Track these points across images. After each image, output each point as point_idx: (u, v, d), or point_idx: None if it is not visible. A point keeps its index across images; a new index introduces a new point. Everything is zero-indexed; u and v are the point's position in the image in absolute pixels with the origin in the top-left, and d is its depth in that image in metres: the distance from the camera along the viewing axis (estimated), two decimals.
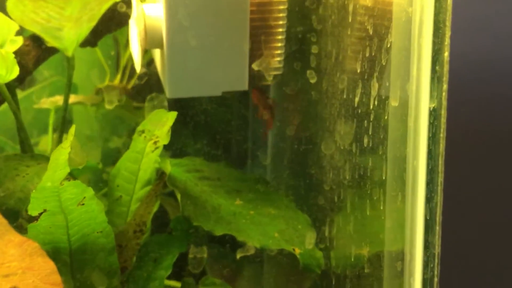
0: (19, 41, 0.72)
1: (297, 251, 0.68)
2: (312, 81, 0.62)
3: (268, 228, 0.69)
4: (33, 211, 0.55)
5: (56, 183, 0.52)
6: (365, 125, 0.52)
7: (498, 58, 0.71)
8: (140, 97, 0.89)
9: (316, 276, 0.68)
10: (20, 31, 0.73)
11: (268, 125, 0.87)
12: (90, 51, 0.87)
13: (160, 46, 0.69)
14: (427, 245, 0.44)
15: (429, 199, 0.44)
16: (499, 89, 0.74)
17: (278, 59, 0.72)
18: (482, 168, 0.77)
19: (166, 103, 0.76)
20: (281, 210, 0.72)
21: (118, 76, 0.92)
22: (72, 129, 0.56)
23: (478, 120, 0.72)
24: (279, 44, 0.71)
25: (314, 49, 0.70)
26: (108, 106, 0.69)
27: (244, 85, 0.71)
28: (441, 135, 0.43)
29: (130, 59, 0.90)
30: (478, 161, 0.75)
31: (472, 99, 0.72)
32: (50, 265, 0.48)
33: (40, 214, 0.55)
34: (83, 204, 0.57)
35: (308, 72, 0.64)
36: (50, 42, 0.74)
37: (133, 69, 0.91)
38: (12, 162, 0.66)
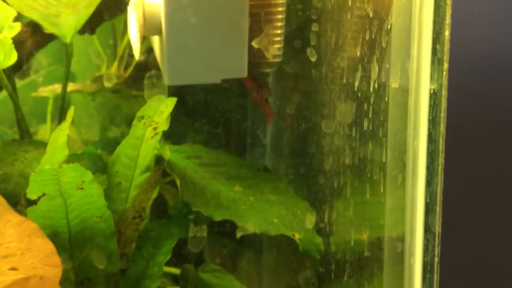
0: (17, 27, 0.72)
1: (297, 237, 0.68)
2: (313, 59, 0.62)
3: (268, 214, 0.69)
4: (32, 194, 0.54)
5: (55, 166, 0.51)
6: (365, 107, 0.52)
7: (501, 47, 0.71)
8: (139, 85, 0.89)
9: (316, 260, 0.68)
10: (18, 18, 0.73)
11: (267, 117, 0.86)
12: (87, 40, 0.87)
13: (159, 33, 0.69)
14: (428, 226, 0.44)
15: (429, 180, 0.44)
16: (504, 74, 0.74)
17: (278, 46, 0.71)
18: (484, 151, 0.76)
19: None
20: (281, 196, 0.72)
21: (115, 64, 0.92)
22: (71, 111, 0.55)
23: (482, 105, 0.72)
24: (279, 31, 0.71)
25: (314, 31, 0.70)
26: (107, 84, 0.69)
27: (243, 73, 0.71)
28: (442, 115, 0.43)
29: (128, 47, 0.90)
30: (480, 145, 0.75)
31: (474, 82, 0.72)
32: (49, 246, 0.48)
33: (39, 197, 0.55)
34: (82, 188, 0.57)
35: (308, 50, 0.64)
36: (48, 28, 0.74)
37: (130, 57, 0.91)
38: (10, 148, 0.65)
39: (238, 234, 0.66)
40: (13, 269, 0.46)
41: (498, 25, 0.74)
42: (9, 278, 0.46)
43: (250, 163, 0.76)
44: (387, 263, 0.49)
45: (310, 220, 0.70)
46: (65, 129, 0.52)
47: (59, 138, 0.52)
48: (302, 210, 0.71)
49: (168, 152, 0.69)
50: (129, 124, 0.89)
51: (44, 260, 0.47)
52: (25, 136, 0.72)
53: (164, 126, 0.68)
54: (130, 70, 0.91)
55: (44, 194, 0.55)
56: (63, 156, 0.51)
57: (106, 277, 0.64)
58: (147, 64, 0.86)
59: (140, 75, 0.88)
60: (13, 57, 0.68)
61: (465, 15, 0.67)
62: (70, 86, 0.88)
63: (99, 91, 0.89)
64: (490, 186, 0.82)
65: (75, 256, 0.61)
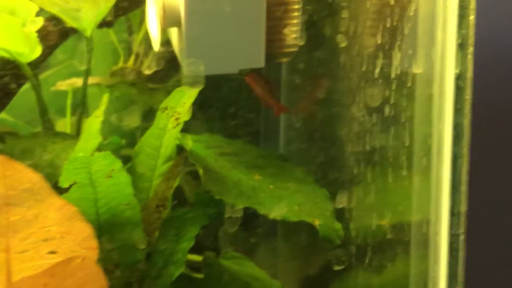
0: (39, 22, 0.73)
1: (317, 223, 0.69)
2: (343, 45, 0.63)
3: (288, 201, 0.71)
4: (64, 182, 0.56)
5: (88, 153, 0.53)
6: (388, 93, 0.54)
7: None
8: (156, 78, 0.90)
9: (336, 245, 0.69)
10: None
11: (280, 111, 0.87)
12: (103, 34, 0.88)
13: (178, 25, 0.70)
14: (453, 205, 0.45)
15: (455, 161, 0.45)
16: None
17: (294, 35, 0.73)
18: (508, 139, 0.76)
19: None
20: (300, 185, 0.74)
21: (132, 58, 0.93)
22: (105, 98, 0.57)
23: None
24: (295, 21, 0.72)
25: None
26: (147, 71, 0.70)
27: (260, 62, 0.73)
28: (467, 97, 0.44)
29: (143, 41, 0.92)
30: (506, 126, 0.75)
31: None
32: (88, 229, 0.50)
33: (71, 186, 0.56)
34: (111, 177, 0.58)
35: (338, 36, 0.65)
36: (69, 22, 0.75)
37: (146, 51, 0.92)
38: (38, 140, 0.67)
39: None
40: (52, 252, 0.48)
41: None
42: (48, 262, 0.47)
43: (268, 153, 0.77)
44: (412, 244, 0.51)
45: (328, 207, 0.71)
46: (99, 116, 0.53)
47: (93, 125, 0.53)
48: (321, 197, 0.72)
49: (190, 142, 0.70)
50: (144, 117, 0.91)
51: (82, 243, 0.49)
52: (48, 127, 0.73)
53: (185, 116, 0.69)
54: (146, 64, 0.92)
55: (75, 183, 0.56)
56: (96, 143, 0.53)
57: (133, 264, 0.65)
58: (164, 58, 0.88)
59: (158, 68, 0.89)
60: (37, 51, 0.69)
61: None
62: (88, 80, 0.90)
63: (116, 84, 0.90)
64: None
65: (103, 244, 0.62)
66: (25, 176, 0.48)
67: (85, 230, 0.49)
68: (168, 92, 0.79)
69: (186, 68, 0.71)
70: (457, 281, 0.47)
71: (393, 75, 0.53)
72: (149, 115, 0.86)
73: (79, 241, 0.48)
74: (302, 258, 0.81)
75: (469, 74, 0.44)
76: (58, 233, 0.48)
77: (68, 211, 0.49)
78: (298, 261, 0.81)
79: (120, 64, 0.94)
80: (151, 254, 0.68)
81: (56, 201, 0.49)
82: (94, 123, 0.53)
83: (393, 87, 0.53)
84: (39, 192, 0.48)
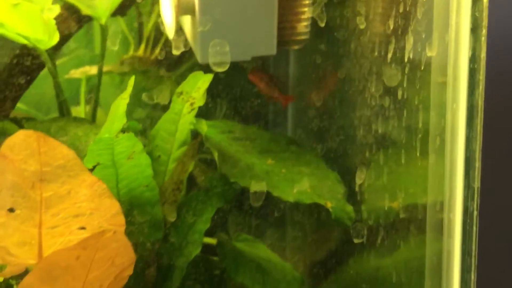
0: (56, 9, 0.75)
1: (329, 205, 0.71)
2: (362, 27, 0.65)
3: (301, 184, 0.73)
4: (88, 163, 0.57)
5: (113, 134, 0.55)
6: (402, 75, 0.56)
7: None
8: (167, 66, 0.91)
9: (348, 227, 0.71)
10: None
11: (287, 101, 0.89)
12: (113, 22, 0.90)
13: (192, 13, 0.72)
14: (467, 181, 0.47)
15: (469, 138, 0.47)
16: None
17: (305, 23, 0.74)
18: None
19: None
20: (312, 168, 0.76)
21: (142, 46, 0.95)
22: (132, 80, 0.58)
23: None
24: (306, 9, 0.74)
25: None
26: (175, 52, 0.72)
27: (273, 50, 0.74)
28: (481, 78, 0.46)
29: (153, 29, 0.93)
30: None
31: None
32: (116, 206, 0.51)
33: (94, 167, 0.58)
34: (132, 158, 0.60)
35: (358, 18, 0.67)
36: (84, 10, 0.77)
37: (156, 39, 0.94)
38: (58, 123, 0.68)
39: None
40: (82, 228, 0.50)
41: None
42: (77, 237, 0.49)
43: (280, 137, 0.79)
44: (428, 223, 0.52)
45: (340, 189, 0.73)
46: (126, 98, 0.55)
47: (119, 107, 0.55)
48: (333, 180, 0.74)
49: (204, 127, 0.72)
50: (155, 105, 0.92)
51: (110, 219, 0.50)
52: (65, 112, 0.75)
53: (200, 101, 0.71)
54: (156, 52, 0.94)
55: (98, 164, 0.58)
56: (121, 124, 0.54)
57: (151, 244, 0.67)
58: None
59: (168, 56, 0.91)
60: (55, 38, 0.71)
61: None
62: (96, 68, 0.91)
63: (128, 72, 0.92)
64: None
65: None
66: (60, 152, 0.49)
67: (113, 207, 0.51)
68: (179, 80, 0.81)
69: (200, 55, 0.73)
70: (471, 256, 0.49)
71: (406, 58, 0.55)
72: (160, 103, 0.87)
73: (107, 217, 0.50)
74: (311, 241, 0.83)
75: (483, 55, 0.46)
76: (88, 209, 0.50)
77: (99, 187, 0.51)
78: (308, 244, 0.83)
79: (131, 52, 0.96)
80: (168, 235, 0.69)
81: (88, 177, 0.51)
82: (120, 105, 0.54)
83: (407, 69, 0.55)
84: (72, 169, 0.50)
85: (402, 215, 0.60)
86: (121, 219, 0.52)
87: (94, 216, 0.50)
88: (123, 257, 0.50)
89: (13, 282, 0.56)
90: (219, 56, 0.63)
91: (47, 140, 0.48)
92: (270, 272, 0.74)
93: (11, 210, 0.48)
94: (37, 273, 0.47)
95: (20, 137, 0.48)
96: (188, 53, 0.82)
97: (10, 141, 0.48)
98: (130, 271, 0.52)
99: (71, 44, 0.95)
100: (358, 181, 0.66)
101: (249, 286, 0.72)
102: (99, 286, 0.49)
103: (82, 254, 0.47)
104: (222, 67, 0.63)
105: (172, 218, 0.70)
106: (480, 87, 0.46)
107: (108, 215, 0.50)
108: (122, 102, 0.55)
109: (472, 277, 0.49)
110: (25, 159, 0.47)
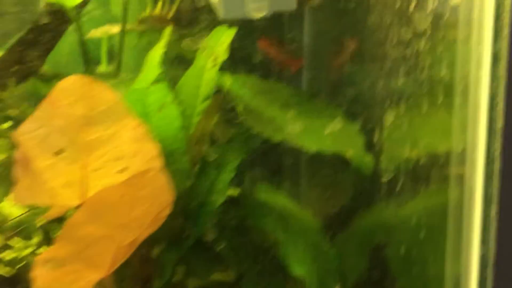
0: None
1: (349, 155, 0.74)
2: None
3: (322, 135, 0.75)
4: None
5: (147, 84, 0.56)
6: (424, 27, 0.57)
7: None
8: (186, 24, 0.93)
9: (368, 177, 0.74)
10: None
11: (294, 68, 0.90)
12: None
13: None
14: (490, 135, 0.49)
15: (493, 79, 0.49)
16: None
17: None
18: None
19: None
20: (331, 120, 0.78)
21: (159, 5, 0.96)
22: (168, 30, 0.60)
23: None
24: None
25: None
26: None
27: (293, 5, 0.76)
28: (506, 20, 0.48)
29: None
30: None
31: None
32: (155, 149, 0.53)
33: None
34: (162, 109, 0.62)
35: None
36: None
37: None
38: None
39: None
40: (122, 170, 0.52)
41: None
42: (117, 180, 0.51)
43: (300, 91, 0.81)
44: (451, 172, 0.54)
45: (359, 140, 0.76)
46: (161, 48, 0.57)
47: (154, 57, 0.56)
48: (353, 131, 0.77)
49: (228, 81, 0.74)
50: (172, 63, 0.94)
51: (150, 161, 0.53)
52: (90, 69, 0.77)
53: (223, 56, 0.73)
54: (174, 10, 0.95)
55: None
56: (156, 74, 0.56)
57: (178, 193, 0.70)
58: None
59: (187, 15, 0.92)
60: None
61: None
62: (117, 28, 0.93)
63: (146, 31, 0.93)
64: None
65: None
66: (105, 96, 0.51)
67: (153, 149, 0.53)
68: (197, 38, 0.82)
69: (222, 10, 0.74)
70: (491, 202, 0.50)
71: (429, 8, 0.56)
72: (177, 61, 0.89)
73: (147, 159, 0.52)
74: (331, 190, 0.85)
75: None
76: (130, 152, 0.52)
77: (141, 130, 0.53)
78: (327, 194, 0.86)
79: (148, 11, 0.97)
80: (195, 184, 0.72)
81: (131, 121, 0.53)
82: (156, 55, 0.56)
83: (431, 18, 0.56)
84: (116, 112, 0.52)
85: (422, 163, 0.62)
86: (161, 161, 0.54)
87: (134, 159, 0.52)
88: (163, 196, 0.52)
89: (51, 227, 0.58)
90: (257, 1, 0.64)
91: (94, 85, 0.50)
92: (290, 220, 0.77)
93: (59, 152, 0.50)
94: (85, 210, 0.49)
95: (70, 82, 0.50)
96: (206, 10, 0.83)
97: (59, 86, 0.50)
98: (167, 211, 0.54)
99: (89, 5, 0.96)
100: (378, 131, 0.68)
101: (270, 232, 0.74)
102: (140, 224, 0.51)
103: (126, 193, 0.49)
104: (260, 12, 0.65)
105: (197, 168, 0.72)
106: (505, 31, 0.48)
107: (148, 157, 0.52)
108: (157, 52, 0.57)
109: (494, 223, 0.50)
110: (73, 103, 0.49)
